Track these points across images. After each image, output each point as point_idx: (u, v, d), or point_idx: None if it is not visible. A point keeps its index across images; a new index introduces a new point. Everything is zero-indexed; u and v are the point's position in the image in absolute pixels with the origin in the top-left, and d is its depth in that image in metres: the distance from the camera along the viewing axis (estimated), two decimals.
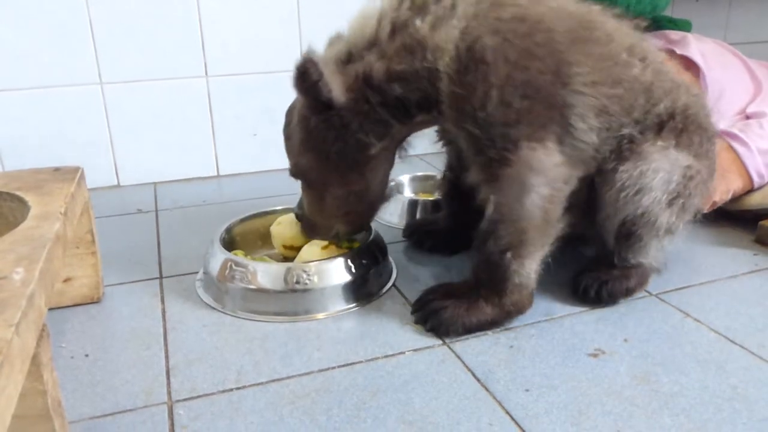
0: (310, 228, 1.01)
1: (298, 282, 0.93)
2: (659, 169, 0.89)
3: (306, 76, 0.83)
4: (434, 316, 0.89)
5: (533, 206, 0.84)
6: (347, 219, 0.98)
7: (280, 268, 0.95)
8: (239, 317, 0.93)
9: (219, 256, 0.98)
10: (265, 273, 0.94)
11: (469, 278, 0.92)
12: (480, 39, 0.80)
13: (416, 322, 0.91)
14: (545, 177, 0.83)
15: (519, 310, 0.91)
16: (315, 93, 0.85)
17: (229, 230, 1.09)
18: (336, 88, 0.85)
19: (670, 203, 0.91)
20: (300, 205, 1.01)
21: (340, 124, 0.87)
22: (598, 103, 0.84)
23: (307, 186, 0.97)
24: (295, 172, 0.96)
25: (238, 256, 0.99)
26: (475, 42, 0.80)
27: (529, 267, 0.88)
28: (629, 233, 0.92)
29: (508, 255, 0.85)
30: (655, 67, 0.91)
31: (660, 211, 0.90)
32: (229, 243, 1.07)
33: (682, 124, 0.92)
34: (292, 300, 0.93)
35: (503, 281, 0.87)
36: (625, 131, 0.89)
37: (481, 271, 0.89)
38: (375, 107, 0.86)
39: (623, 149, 0.89)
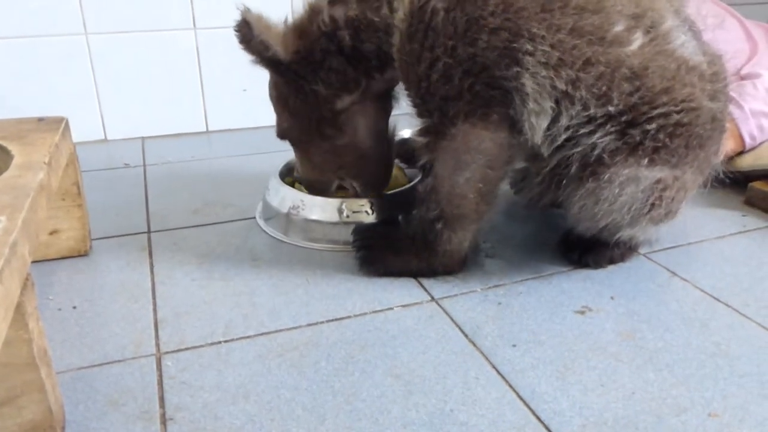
0: (308, 186, 1.02)
1: (348, 216, 1.00)
2: (621, 194, 0.80)
3: (241, 36, 0.86)
4: (366, 249, 0.92)
5: (467, 184, 0.83)
6: (350, 174, 0.97)
7: (334, 201, 1.00)
8: (228, 272, 0.93)
9: (282, 191, 1.04)
10: (319, 206, 1.00)
11: (409, 229, 0.92)
12: (431, 1, 0.76)
13: (351, 245, 0.95)
14: (482, 156, 0.81)
15: (447, 271, 0.91)
16: (257, 52, 0.86)
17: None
18: (276, 44, 0.85)
19: (639, 218, 0.83)
20: (297, 167, 1.02)
21: (294, 77, 0.87)
22: (557, 85, 0.75)
23: (293, 145, 0.98)
24: (280, 133, 0.96)
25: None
26: (428, 3, 0.76)
27: (461, 237, 0.88)
28: (597, 233, 0.88)
29: (439, 225, 0.86)
30: (659, 44, 0.77)
31: (625, 225, 0.84)
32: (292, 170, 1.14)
33: (667, 138, 0.79)
34: (345, 230, 0.99)
35: (434, 245, 0.88)
36: (595, 138, 0.78)
37: (415, 231, 0.90)
38: (327, 56, 0.85)
39: (586, 170, 0.81)
